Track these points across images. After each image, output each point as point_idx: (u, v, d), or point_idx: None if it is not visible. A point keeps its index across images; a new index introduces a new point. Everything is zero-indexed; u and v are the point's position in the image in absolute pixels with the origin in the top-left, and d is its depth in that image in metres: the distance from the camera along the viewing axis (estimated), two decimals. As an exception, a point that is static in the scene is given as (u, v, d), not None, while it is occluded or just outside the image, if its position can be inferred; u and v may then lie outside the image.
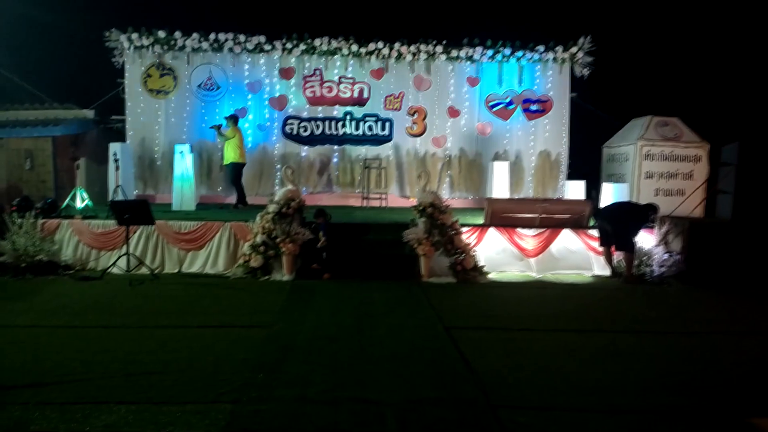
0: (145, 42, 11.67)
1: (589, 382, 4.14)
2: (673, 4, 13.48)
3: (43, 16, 12.45)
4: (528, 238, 8.31)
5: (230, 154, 10.41)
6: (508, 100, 12.61)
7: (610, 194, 9.32)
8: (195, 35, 11.76)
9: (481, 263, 7.94)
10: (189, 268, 8.26)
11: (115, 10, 12.12)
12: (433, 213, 7.88)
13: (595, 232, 8.35)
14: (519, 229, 8.36)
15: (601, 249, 8.13)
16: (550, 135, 12.73)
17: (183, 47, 11.83)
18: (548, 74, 12.59)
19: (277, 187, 12.31)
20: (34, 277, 7.53)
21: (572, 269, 8.29)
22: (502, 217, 8.58)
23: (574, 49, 12.34)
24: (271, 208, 8.04)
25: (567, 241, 8.40)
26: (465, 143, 12.66)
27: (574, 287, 7.56)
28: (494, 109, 12.65)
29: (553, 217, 8.52)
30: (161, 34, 11.65)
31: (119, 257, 7.88)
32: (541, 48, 12.32)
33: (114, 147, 9.92)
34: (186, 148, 10.73)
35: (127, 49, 11.75)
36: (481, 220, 9.16)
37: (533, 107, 12.67)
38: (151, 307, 6.12)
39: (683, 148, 11.83)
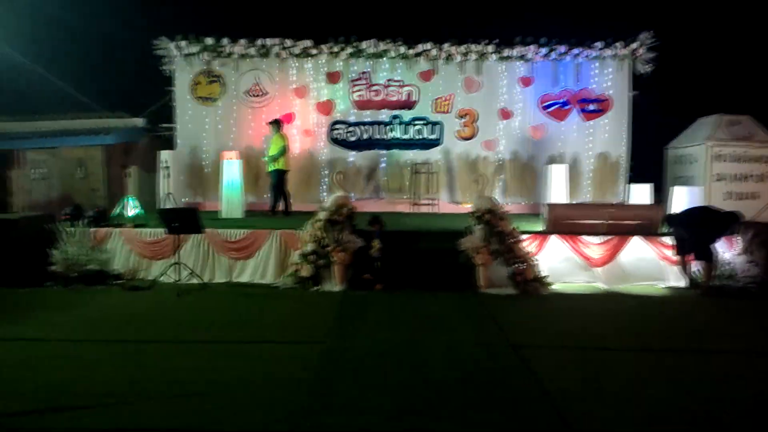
0: (194, 49, 11.65)
1: (684, 412, 3.62)
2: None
3: (93, 25, 12.63)
4: (593, 246, 7.74)
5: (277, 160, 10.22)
6: (563, 100, 12.01)
7: (682, 198, 8.62)
8: (242, 41, 11.66)
9: (542, 273, 7.42)
10: (238, 277, 8.06)
11: (164, 18, 12.16)
12: (491, 220, 7.43)
13: (668, 240, 7.71)
14: (583, 237, 7.80)
15: (676, 258, 7.49)
16: (609, 136, 12.04)
17: (230, 54, 11.75)
18: (607, 72, 11.91)
19: (324, 194, 12.10)
20: (85, 287, 7.46)
21: (644, 280, 7.66)
22: (564, 223, 8.04)
23: (634, 45, 11.64)
24: (322, 215, 7.76)
25: (637, 249, 7.78)
26: (518, 146, 12.11)
27: (649, 300, 6.95)
28: (549, 110, 12.07)
29: (620, 224, 7.93)
30: (209, 40, 11.61)
31: (169, 267, 7.74)
32: (600, 44, 11.66)
33: (164, 155, 9.89)
34: (234, 154, 10.63)
35: (175, 56, 11.75)
36: (537, 227, 8.65)
37: (591, 107, 12.02)
38: (197, 319, 5.90)
39: (757, 149, 11.02)
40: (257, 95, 12.00)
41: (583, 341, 5.09)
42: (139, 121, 11.87)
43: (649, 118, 12.19)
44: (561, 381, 4.11)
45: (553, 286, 7.39)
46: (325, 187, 12.11)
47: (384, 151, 12.19)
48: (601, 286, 7.57)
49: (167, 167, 9.28)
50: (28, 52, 11.82)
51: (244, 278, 8.01)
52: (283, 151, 10.26)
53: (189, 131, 11.96)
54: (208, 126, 11.98)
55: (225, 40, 11.65)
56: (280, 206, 10.50)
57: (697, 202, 8.55)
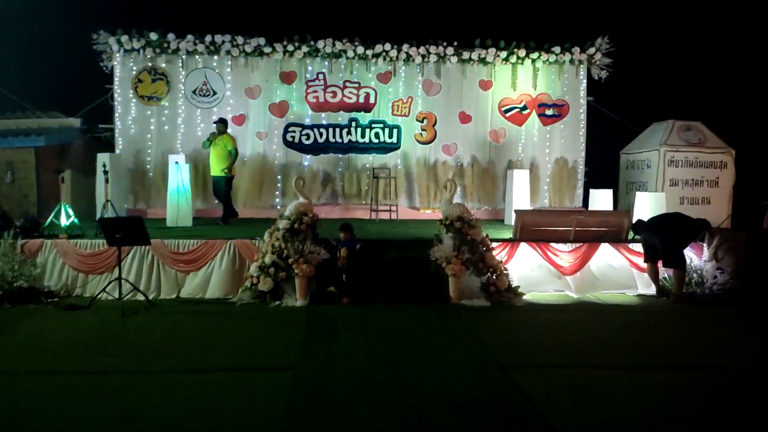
0: (136, 45, 10.81)
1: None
2: (690, 5, 12.90)
3: (24, 17, 11.54)
4: (563, 253, 7.57)
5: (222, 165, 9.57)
6: (522, 104, 11.91)
7: (644, 204, 8.58)
8: (190, 37, 10.93)
9: (514, 283, 7.17)
10: (188, 292, 7.40)
11: (103, 11, 11.26)
12: (462, 227, 7.11)
13: (636, 247, 7.62)
14: (553, 244, 7.61)
15: (645, 265, 7.40)
16: (567, 141, 12.04)
17: (177, 50, 10.99)
18: (564, 77, 11.91)
19: (278, 200, 11.54)
20: (13, 307, 6.63)
21: (614, 288, 7.53)
22: (532, 230, 7.83)
23: (591, 50, 11.68)
24: (282, 224, 7.22)
25: (607, 256, 7.67)
26: (477, 151, 11.93)
27: (623, 309, 6.81)
28: (508, 114, 11.95)
29: (588, 230, 7.79)
30: (153, 36, 10.81)
31: (109, 282, 7.01)
32: (557, 49, 11.64)
33: (102, 158, 9.07)
34: (181, 158, 9.91)
35: (116, 52, 10.88)
36: (502, 233, 8.44)
37: (549, 112, 11.98)
38: (148, 344, 5.26)
39: (708, 154, 11.23)
40: (206, 95, 11.29)
41: (571, 359, 4.81)
42: (75, 122, 10.90)
43: (605, 124, 12.28)
44: (560, 406, 3.79)
45: (526, 296, 7.15)
46: (278, 192, 11.54)
47: (341, 155, 11.74)
48: (572, 294, 7.39)
49: (106, 171, 8.48)
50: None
51: (195, 293, 7.36)
52: (236, 155, 9.65)
53: (131, 132, 11.11)
54: (153, 127, 11.17)
55: (171, 36, 10.90)
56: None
57: (660, 207, 8.53)
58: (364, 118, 11.71)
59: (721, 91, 12.66)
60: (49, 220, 8.29)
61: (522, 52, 11.55)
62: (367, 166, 11.63)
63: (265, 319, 6.23)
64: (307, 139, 11.63)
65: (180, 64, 11.17)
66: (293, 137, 11.61)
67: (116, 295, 6.93)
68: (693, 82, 12.63)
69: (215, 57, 11.23)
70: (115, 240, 6.72)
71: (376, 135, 11.76)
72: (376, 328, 5.74)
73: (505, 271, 7.11)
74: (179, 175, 9.23)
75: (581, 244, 7.61)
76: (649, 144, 11.68)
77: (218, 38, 11.02)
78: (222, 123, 9.76)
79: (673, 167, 11.27)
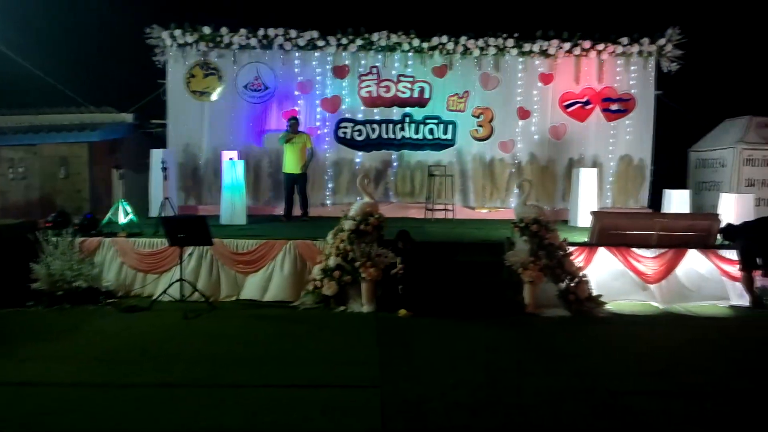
0: (189, 39, 10.60)
1: None
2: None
3: (79, 12, 11.46)
4: (646, 260, 7.01)
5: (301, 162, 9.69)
6: (585, 99, 11.30)
7: (730, 207, 7.95)
8: (242, 31, 10.66)
9: (594, 291, 6.66)
10: (247, 294, 7.12)
11: (156, 4, 11.07)
12: (539, 231, 6.64)
13: (727, 253, 7.02)
14: (634, 250, 7.07)
15: (739, 273, 6.80)
16: (633, 137, 11.37)
17: (229, 44, 10.75)
18: (631, 70, 11.24)
19: (328, 199, 11.23)
20: (72, 307, 6.44)
21: (704, 299, 6.92)
22: (611, 234, 7.29)
23: (662, 41, 10.98)
24: (347, 225, 6.87)
25: (695, 263, 7.07)
26: (536, 148, 11.37)
27: (721, 323, 6.24)
28: (569, 110, 11.35)
29: (673, 235, 7.21)
30: (206, 30, 10.58)
31: (171, 284, 6.77)
32: (625, 40, 10.98)
33: (158, 153, 8.90)
34: (234, 154, 9.71)
35: (169, 46, 10.69)
36: (573, 237, 7.91)
37: (614, 107, 11.33)
38: (217, 352, 4.96)
39: (789, 153, 10.45)
40: (258, 90, 11.03)
41: (684, 385, 4.31)
42: (128, 117, 10.79)
43: (674, 120, 11.57)
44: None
45: (607, 306, 6.63)
46: (329, 192, 11.23)
47: (394, 152, 11.34)
48: (657, 305, 6.84)
49: (165, 168, 8.28)
50: (4, 40, 10.62)
51: (254, 295, 7.07)
52: (312, 153, 9.92)
53: (183, 128, 10.92)
54: (205, 122, 10.96)
55: (224, 30, 10.64)
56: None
57: (747, 210, 7.89)
58: (419, 113, 11.28)
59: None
60: (107, 217, 8.13)
61: (587, 44, 10.93)
62: (421, 163, 11.21)
63: (333, 326, 5.88)
64: (359, 135, 11.28)
65: (232, 59, 10.93)
66: (345, 133, 11.27)
67: (176, 296, 6.69)
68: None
69: (267, 51, 10.95)
70: (177, 239, 6.47)
71: (431, 131, 11.32)
72: (454, 342, 5.31)
73: (584, 278, 6.61)
74: (234, 172, 9.00)
75: (666, 249, 7.04)
76: (724, 141, 10.97)
77: (271, 32, 10.72)
78: (296, 121, 9.77)
79: (750, 166, 10.56)
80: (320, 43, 10.79)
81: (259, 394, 4.03)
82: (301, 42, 10.78)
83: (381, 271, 6.49)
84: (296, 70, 11.05)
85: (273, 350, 5.03)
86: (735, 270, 6.88)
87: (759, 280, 6.80)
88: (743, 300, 6.85)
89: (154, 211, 9.18)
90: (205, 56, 10.82)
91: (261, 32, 10.71)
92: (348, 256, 6.65)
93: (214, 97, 10.85)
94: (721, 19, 11.65)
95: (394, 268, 6.53)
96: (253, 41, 10.71)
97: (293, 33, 10.73)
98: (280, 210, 10.21)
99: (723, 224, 7.24)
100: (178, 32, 10.57)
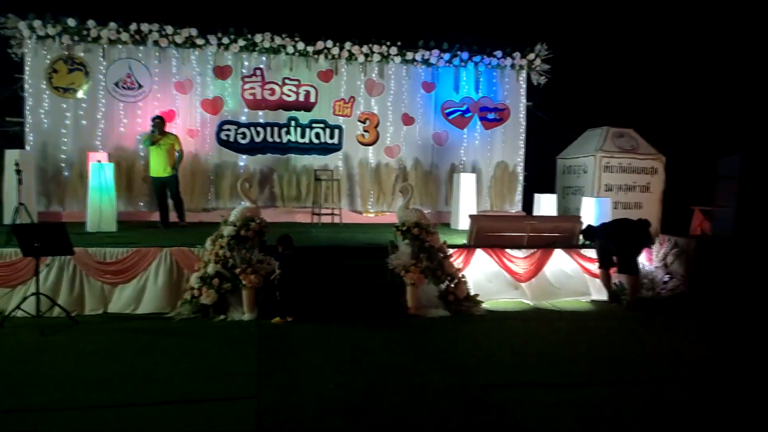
0: (51, 31, 9.68)
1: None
2: (621, 17, 13.36)
3: None
4: (518, 260, 7.45)
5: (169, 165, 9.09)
6: (464, 107, 11.84)
7: (590, 210, 8.67)
8: (113, 25, 9.94)
9: (472, 291, 6.95)
10: (117, 307, 6.61)
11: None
12: (420, 234, 6.81)
13: (588, 252, 7.64)
14: (507, 250, 7.48)
15: (598, 271, 7.42)
16: (507, 145, 12.10)
17: (98, 38, 9.96)
18: (505, 81, 11.96)
19: (211, 202, 10.79)
20: None
21: (569, 295, 7.48)
22: (487, 236, 7.67)
23: (531, 56, 11.80)
24: (226, 230, 6.61)
25: (561, 262, 7.63)
26: (420, 153, 11.72)
27: (582, 317, 6.75)
28: (450, 117, 11.84)
29: (541, 236, 7.74)
30: (71, 22, 9.72)
31: (25, 298, 6.12)
32: (499, 53, 11.67)
33: (13, 155, 8.04)
34: (104, 156, 9.03)
35: (27, 38, 9.70)
36: (453, 239, 8.22)
37: (490, 116, 11.98)
38: (78, 371, 4.54)
39: (641, 160, 11.60)
40: (131, 88, 10.34)
41: (550, 376, 4.61)
42: (-24, 113, 9.64)
43: (543, 129, 12.45)
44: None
45: (484, 305, 6.95)
46: (211, 195, 10.80)
47: (280, 156, 11.14)
48: (527, 302, 7.28)
49: (19, 171, 7.49)
50: None
51: (124, 308, 6.59)
52: (182, 156, 9.42)
53: (43, 127, 9.96)
54: (69, 122, 10.07)
55: (91, 23, 9.85)
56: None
57: (605, 213, 8.65)
58: (305, 117, 11.19)
59: (650, 99, 13.19)
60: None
61: (465, 55, 11.47)
62: (308, 167, 11.12)
63: (211, 336, 5.63)
64: (243, 138, 10.95)
65: (101, 54, 10.16)
66: (228, 136, 10.89)
67: (32, 312, 6.06)
68: (624, 90, 13.07)
69: (141, 47, 10.31)
70: (32, 249, 5.86)
71: (317, 135, 11.27)
72: (337, 346, 5.29)
73: (463, 279, 6.88)
74: (102, 175, 8.36)
75: (535, 250, 7.53)
76: (585, 150, 11.94)
77: (145, 27, 10.12)
78: (162, 120, 9.19)
79: (608, 173, 11.57)
80: (200, 41, 10.36)
81: (122, 415, 3.74)
82: (179, 39, 10.27)
83: (263, 278, 6.32)
84: (174, 69, 10.51)
85: (142, 366, 4.69)
86: (595, 268, 7.51)
87: (615, 276, 7.45)
88: (602, 295, 7.48)
89: (7, 218, 8.28)
90: (69, 50, 9.96)
91: (134, 27, 10.06)
92: (228, 262, 6.41)
93: (80, 94, 10.02)
94: (584, 38, 12.71)
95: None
96: (125, 36, 10.03)
97: (170, 29, 10.20)
98: (156, 216, 9.62)
99: (584, 226, 7.86)
100: (38, 23, 9.63)
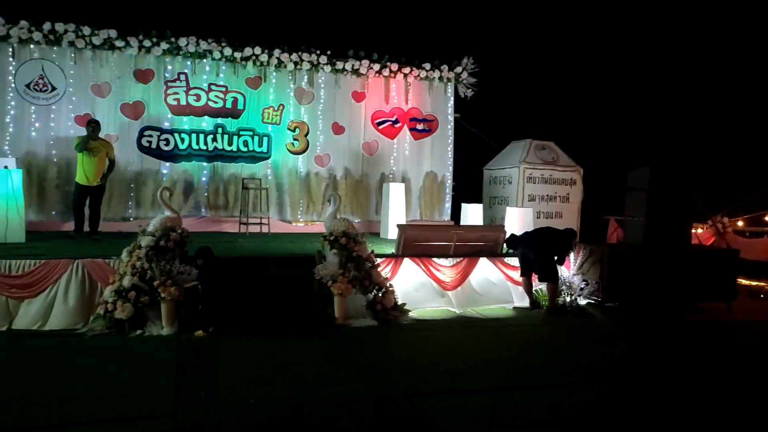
0: (-47, 26, 9.04)
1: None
2: (541, 35, 14.00)
3: None
4: (445, 268, 7.57)
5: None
6: (394, 118, 11.98)
7: (514, 219, 8.96)
8: (23, 23, 9.38)
9: (399, 300, 6.99)
10: (23, 323, 6.16)
11: None
12: (348, 243, 6.79)
13: (512, 261, 7.88)
14: (434, 260, 7.59)
15: (520, 279, 7.66)
16: (436, 156, 12.35)
17: (7, 37, 9.37)
18: (434, 93, 12.21)
19: (131, 211, 10.33)
20: None
21: (493, 302, 7.66)
22: (415, 245, 7.76)
23: (458, 69, 12.11)
24: (144, 241, 6.32)
25: (485, 271, 7.82)
26: (351, 162, 11.75)
27: (504, 324, 6.92)
28: (380, 127, 11.94)
29: (467, 245, 7.91)
30: (-26, 18, 9.11)
31: None
32: (428, 66, 11.90)
33: None
34: (11, 162, 8.44)
35: (-76, 32, 9.00)
36: (381, 248, 8.28)
37: (419, 126, 12.19)
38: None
39: (561, 172, 12.11)
40: (43, 90, 9.76)
41: (472, 382, 4.70)
42: None
43: (470, 140, 12.82)
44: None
45: (411, 313, 7.00)
46: (132, 203, 10.34)
47: (205, 164, 10.84)
48: (453, 310, 7.40)
49: None
50: None
51: (32, 324, 6.14)
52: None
53: (-58, 129, 9.23)
54: (-27, 124, 9.40)
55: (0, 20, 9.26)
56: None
57: (528, 222, 8.96)
58: (232, 124, 10.96)
59: (569, 113, 13.87)
60: None
61: (394, 66, 11.63)
62: (235, 175, 10.87)
63: (125, 353, 5.34)
64: (167, 144, 10.58)
65: (10, 53, 9.54)
66: (150, 142, 10.49)
67: (-77, 332, 5.55)
68: (545, 104, 13.68)
69: (55, 48, 9.77)
70: None
71: (245, 143, 11.05)
72: (260, 359, 5.16)
73: (390, 288, 6.91)
74: (8, 182, 7.80)
75: (461, 258, 7.69)
76: (510, 161, 12.35)
77: (59, 27, 9.61)
78: (97, 125, 8.63)
79: (531, 183, 12.00)
80: (119, 43, 9.95)
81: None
82: (97, 41, 9.82)
83: (183, 290, 6.08)
84: (91, 71, 10.01)
85: (48, 387, 4.38)
86: (517, 275, 7.75)
87: (536, 283, 7.72)
88: (524, 302, 7.72)
89: None
90: (-28, 48, 9.30)
91: (47, 26, 9.53)
92: (146, 274, 6.12)
93: (-15, 95, 9.37)
94: (509, 53, 13.22)
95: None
96: (37, 35, 9.47)
97: (87, 30, 9.72)
98: (70, 226, 9.08)
99: (508, 235, 8.11)
100: (-65, 17, 8.94)
